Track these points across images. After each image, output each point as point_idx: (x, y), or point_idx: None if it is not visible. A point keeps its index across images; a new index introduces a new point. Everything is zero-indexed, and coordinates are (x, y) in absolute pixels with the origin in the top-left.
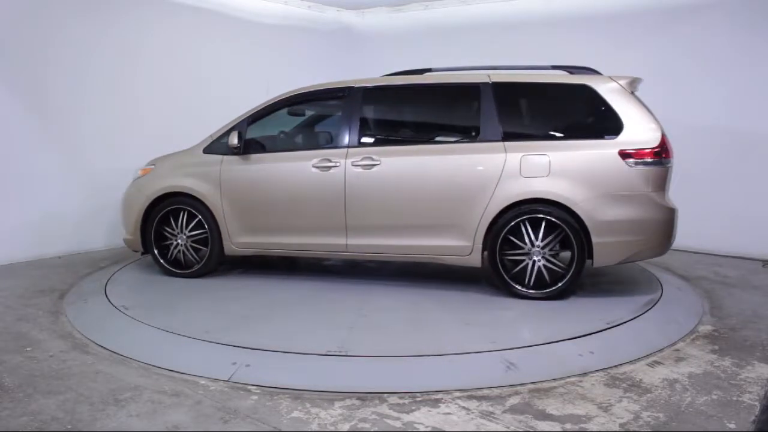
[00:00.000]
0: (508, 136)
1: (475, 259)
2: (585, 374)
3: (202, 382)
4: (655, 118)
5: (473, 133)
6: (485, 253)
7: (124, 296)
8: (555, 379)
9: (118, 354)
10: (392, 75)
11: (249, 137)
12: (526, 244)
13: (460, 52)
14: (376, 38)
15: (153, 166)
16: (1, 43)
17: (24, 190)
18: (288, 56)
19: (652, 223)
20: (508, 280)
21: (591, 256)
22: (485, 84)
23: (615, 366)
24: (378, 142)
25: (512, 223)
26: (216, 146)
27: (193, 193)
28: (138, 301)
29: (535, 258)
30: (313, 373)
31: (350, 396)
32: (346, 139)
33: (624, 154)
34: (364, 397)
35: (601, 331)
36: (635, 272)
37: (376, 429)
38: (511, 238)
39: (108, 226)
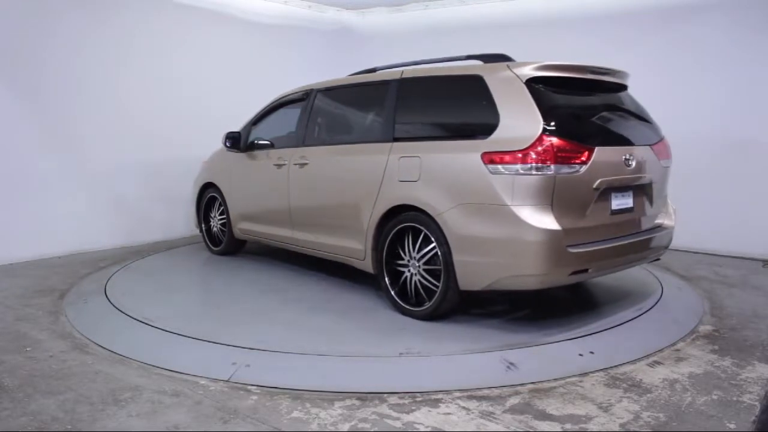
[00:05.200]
0: (399, 136)
1: (368, 265)
2: (585, 374)
3: (202, 382)
4: (546, 115)
5: (374, 133)
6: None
7: (124, 296)
8: (555, 379)
9: (117, 354)
10: (352, 75)
11: (253, 136)
12: (406, 254)
13: (459, 52)
14: (376, 38)
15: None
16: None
17: (23, 190)
18: (288, 56)
19: (514, 245)
20: (390, 292)
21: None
22: (394, 81)
23: (615, 366)
24: (312, 142)
25: (395, 230)
26: None
27: (217, 184)
28: (138, 301)
29: (412, 271)
30: (313, 373)
31: (350, 396)
32: (295, 139)
33: (486, 158)
34: (364, 397)
35: (602, 331)
36: (635, 272)
37: (376, 429)
38: (399, 247)
39: (108, 225)
